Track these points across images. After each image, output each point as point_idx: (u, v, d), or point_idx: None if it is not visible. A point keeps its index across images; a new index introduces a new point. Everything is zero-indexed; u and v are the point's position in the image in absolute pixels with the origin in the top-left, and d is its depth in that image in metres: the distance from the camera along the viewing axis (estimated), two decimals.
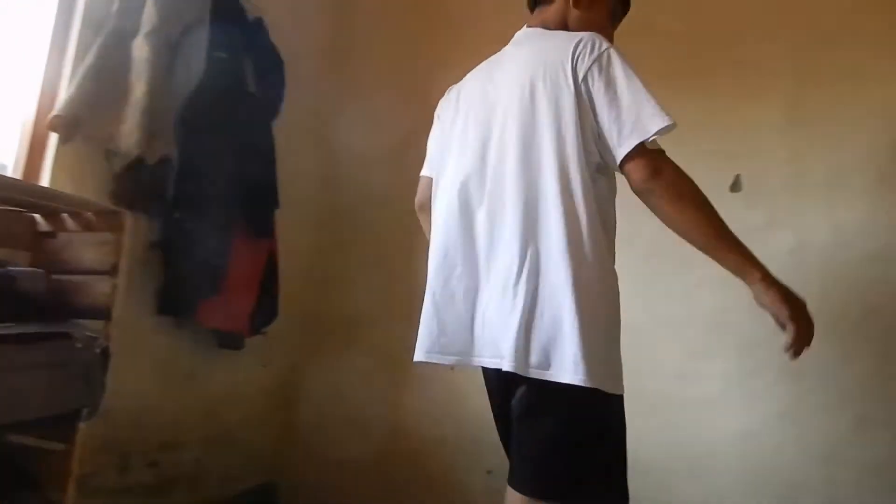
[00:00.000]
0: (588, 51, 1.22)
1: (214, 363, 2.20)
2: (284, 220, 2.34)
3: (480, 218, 1.31)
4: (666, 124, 1.15)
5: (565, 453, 1.22)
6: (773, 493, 1.94)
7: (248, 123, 2.15)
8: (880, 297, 1.93)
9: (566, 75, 1.22)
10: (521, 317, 1.20)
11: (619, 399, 1.22)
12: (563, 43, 1.27)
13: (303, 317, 2.59)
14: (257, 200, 2.18)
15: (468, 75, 1.54)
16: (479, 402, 2.33)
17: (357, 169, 2.68)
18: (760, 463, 1.97)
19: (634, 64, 1.22)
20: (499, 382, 1.36)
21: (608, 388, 1.17)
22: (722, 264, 1.18)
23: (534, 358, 1.19)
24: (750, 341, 1.97)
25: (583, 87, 1.21)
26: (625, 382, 1.23)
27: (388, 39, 2.76)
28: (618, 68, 1.21)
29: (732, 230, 1.17)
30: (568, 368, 1.15)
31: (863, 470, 1.89)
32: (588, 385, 1.14)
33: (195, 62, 1.95)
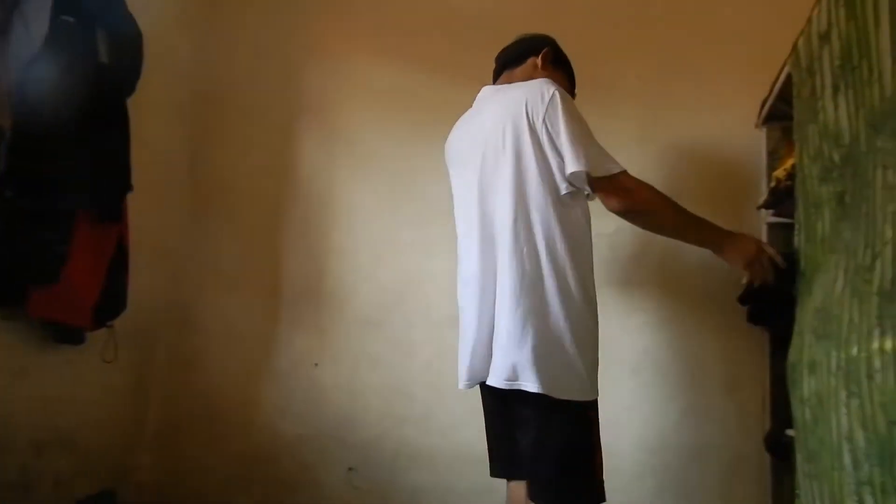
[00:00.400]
0: (541, 96, 1.48)
1: (50, 359, 2.00)
2: (139, 205, 2.17)
3: (474, 256, 1.56)
4: (615, 171, 1.48)
5: None
6: (620, 480, 2.09)
7: (99, 97, 1.97)
8: (704, 298, 2.15)
9: (524, 119, 1.48)
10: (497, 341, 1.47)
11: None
12: (520, 91, 1.53)
13: (156, 309, 2.43)
14: (106, 182, 2.01)
15: (452, 130, 1.79)
16: (341, 399, 2.34)
17: (226, 153, 2.55)
18: (617, 452, 2.11)
19: None
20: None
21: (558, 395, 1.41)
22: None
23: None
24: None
25: (539, 127, 1.47)
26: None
27: (258, 21, 2.65)
28: (567, 109, 1.47)
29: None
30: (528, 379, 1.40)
31: (689, 455, 2.09)
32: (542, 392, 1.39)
33: (37, 25, 1.76)
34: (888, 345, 0.97)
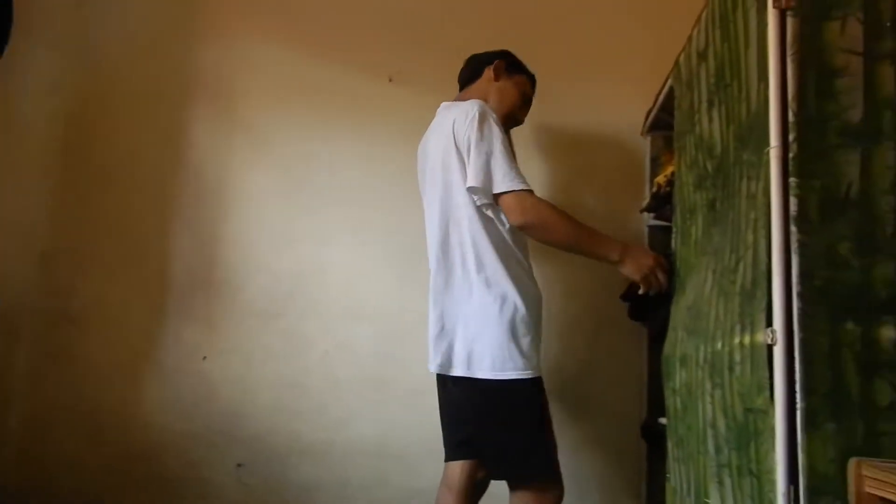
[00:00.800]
0: (465, 115, 1.65)
1: None
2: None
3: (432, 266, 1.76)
4: (517, 187, 1.60)
5: None
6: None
7: None
8: (588, 296, 2.26)
9: (452, 138, 1.65)
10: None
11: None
12: (454, 111, 1.70)
13: (20, 298, 2.24)
14: None
15: (419, 145, 1.90)
16: (231, 394, 2.26)
17: (108, 134, 2.38)
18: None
19: None
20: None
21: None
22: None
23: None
24: None
25: (462, 145, 1.63)
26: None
27: None
28: (481, 127, 1.62)
29: None
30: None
31: (573, 447, 2.20)
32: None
33: None
34: (746, 340, 1.08)
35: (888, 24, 1.04)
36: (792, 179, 1.01)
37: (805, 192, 1.01)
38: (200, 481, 2.20)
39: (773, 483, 0.96)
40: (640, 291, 1.67)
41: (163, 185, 2.35)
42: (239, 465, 2.20)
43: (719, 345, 1.22)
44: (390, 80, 2.41)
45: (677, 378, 1.52)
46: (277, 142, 2.38)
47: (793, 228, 1.00)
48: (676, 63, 1.76)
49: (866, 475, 0.86)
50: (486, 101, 1.76)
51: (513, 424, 1.60)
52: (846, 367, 0.97)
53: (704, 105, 1.48)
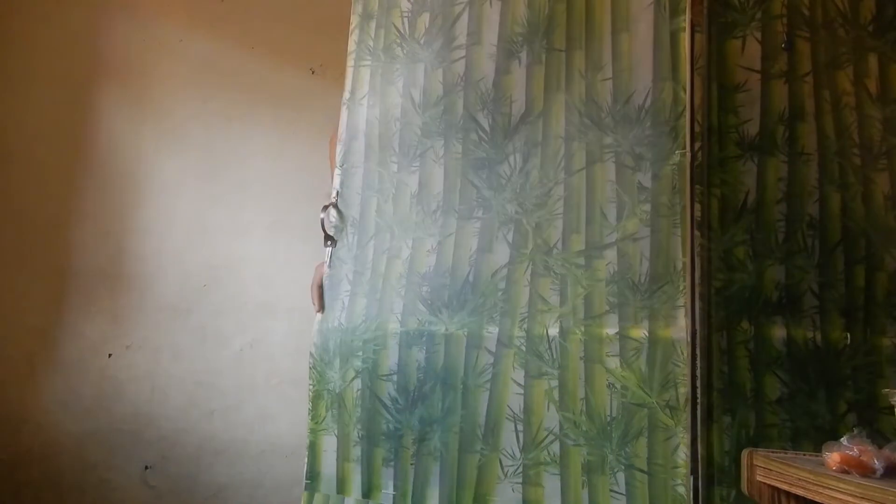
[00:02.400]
0: None
1: None
2: None
3: None
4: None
5: None
6: None
7: None
8: None
9: None
10: None
11: None
12: None
13: None
14: None
15: None
16: (138, 393, 2.16)
17: (1, 114, 2.22)
18: None
19: None
20: None
21: None
22: None
23: None
24: None
25: None
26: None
27: None
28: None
29: None
30: None
31: None
32: None
33: None
34: (639, 333, 1.10)
35: (782, 46, 1.12)
36: (697, 186, 1.07)
37: (708, 198, 1.07)
38: (103, 483, 2.09)
39: (680, 476, 1.01)
40: None
41: (65, 171, 2.21)
42: (147, 468, 2.11)
43: (550, 331, 1.14)
44: (312, 73, 2.37)
45: (387, 358, 1.28)
46: (193, 130, 2.29)
47: (696, 233, 1.06)
48: None
49: (757, 465, 0.93)
50: None
51: None
52: (740, 364, 1.04)
53: (488, 48, 1.31)
